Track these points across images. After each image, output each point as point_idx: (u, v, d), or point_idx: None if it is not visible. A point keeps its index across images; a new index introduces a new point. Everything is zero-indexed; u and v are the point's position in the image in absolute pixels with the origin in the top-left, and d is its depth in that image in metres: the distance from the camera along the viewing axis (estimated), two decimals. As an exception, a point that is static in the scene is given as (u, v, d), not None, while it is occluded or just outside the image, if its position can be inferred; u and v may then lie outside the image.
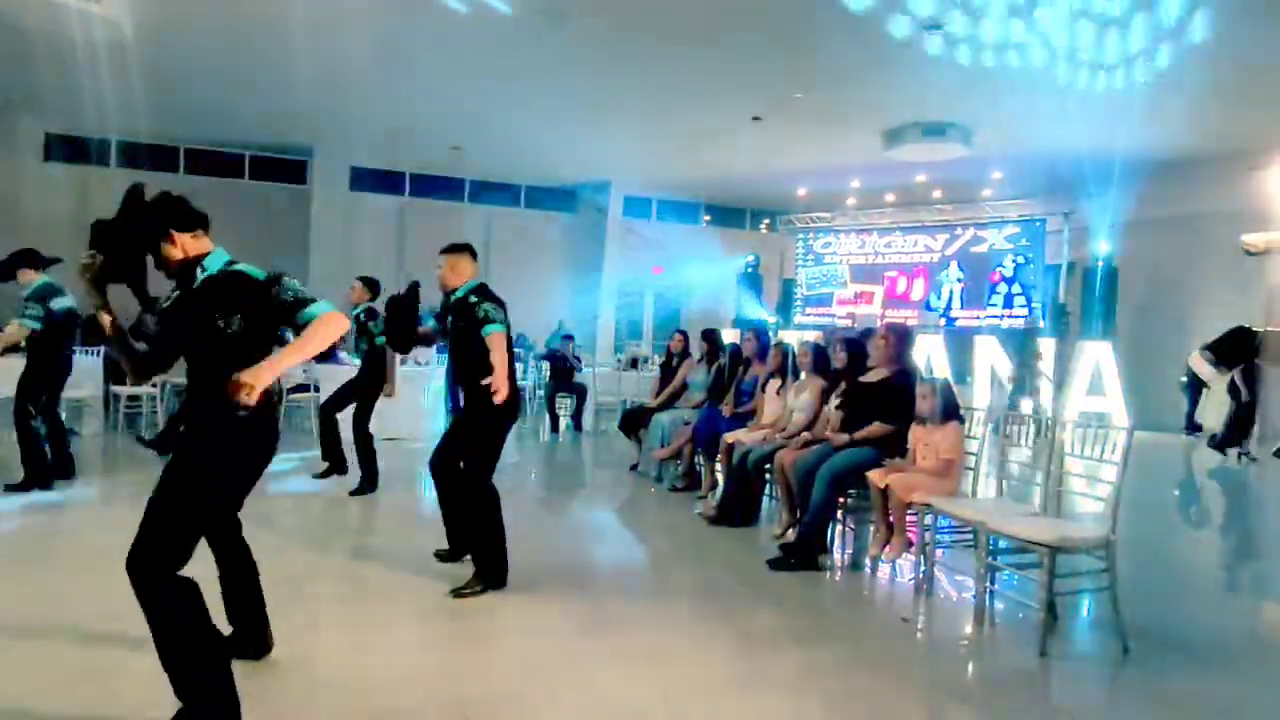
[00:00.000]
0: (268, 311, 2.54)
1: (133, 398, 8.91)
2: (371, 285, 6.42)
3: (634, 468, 7.40)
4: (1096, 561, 3.69)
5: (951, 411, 4.48)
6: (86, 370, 8.37)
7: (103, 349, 8.93)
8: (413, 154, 14.93)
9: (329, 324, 2.49)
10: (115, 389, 8.83)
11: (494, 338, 3.87)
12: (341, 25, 8.20)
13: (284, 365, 2.46)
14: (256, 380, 2.34)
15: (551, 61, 9.27)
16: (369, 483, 6.09)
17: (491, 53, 9.04)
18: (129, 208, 2.60)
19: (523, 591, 3.99)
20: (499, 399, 3.78)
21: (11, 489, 5.57)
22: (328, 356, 9.38)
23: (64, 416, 7.92)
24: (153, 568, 2.32)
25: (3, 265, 5.75)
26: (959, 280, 12.75)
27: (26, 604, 3.62)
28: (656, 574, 4.68)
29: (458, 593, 3.86)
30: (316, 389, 8.84)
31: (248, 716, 2.41)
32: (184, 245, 2.60)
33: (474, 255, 4.23)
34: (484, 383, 3.78)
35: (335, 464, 6.42)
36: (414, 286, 4.23)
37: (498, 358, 3.83)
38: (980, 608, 3.90)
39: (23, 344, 5.79)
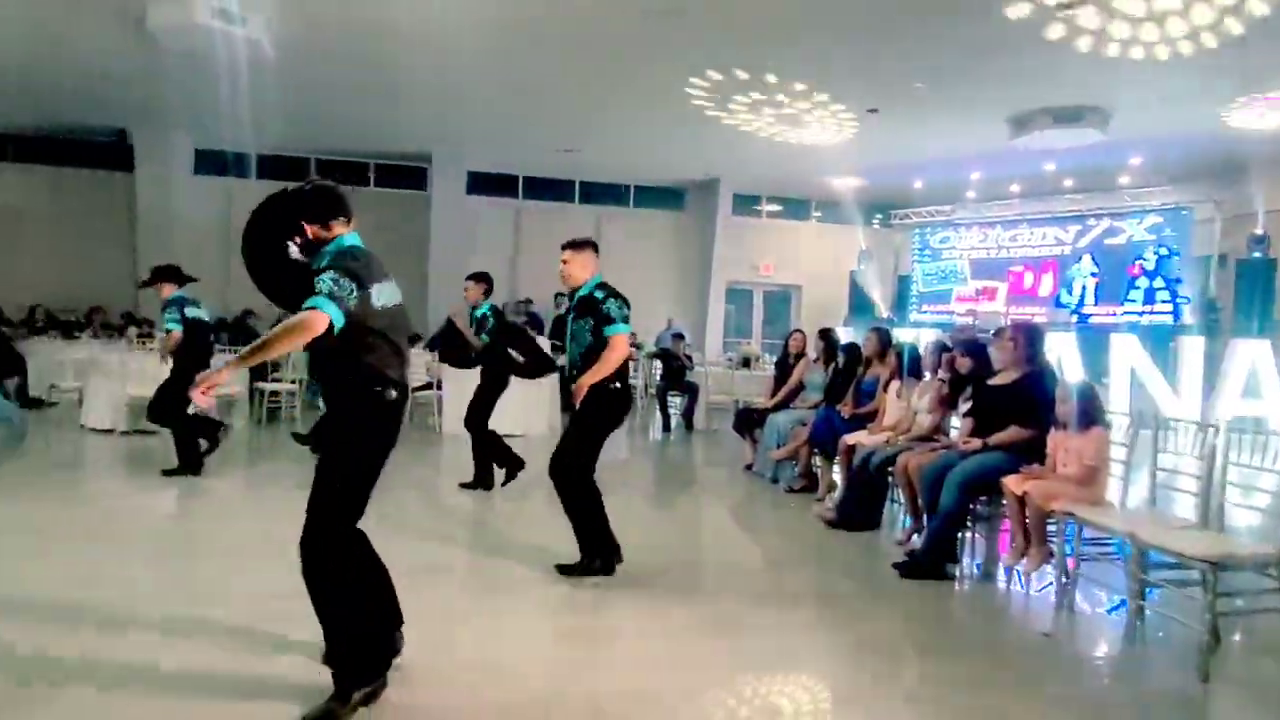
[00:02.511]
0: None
1: (274, 393, 9.50)
2: (487, 280, 6.26)
3: (749, 467, 7.33)
4: (1266, 580, 3.38)
5: (1094, 416, 4.21)
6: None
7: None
8: (526, 157, 15.30)
9: (288, 326, 2.46)
10: (259, 385, 9.46)
11: (616, 339, 3.95)
12: (459, 39, 8.49)
13: (232, 369, 2.61)
14: (207, 381, 2.51)
15: (663, 60, 9.29)
16: (483, 481, 6.10)
17: (603, 55, 9.15)
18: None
19: (642, 588, 4.00)
20: (578, 393, 3.95)
21: (167, 474, 6.10)
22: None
23: (214, 411, 8.62)
24: (319, 545, 2.55)
25: (153, 276, 6.42)
26: (1093, 274, 11.99)
27: (177, 588, 3.92)
28: (774, 576, 4.61)
29: (564, 569, 3.99)
30: (439, 386, 9.18)
31: (397, 686, 2.51)
32: (315, 234, 2.68)
33: (596, 250, 4.25)
34: (611, 385, 3.98)
35: (481, 477, 6.17)
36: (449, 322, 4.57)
37: (614, 357, 3.93)
38: (1131, 626, 3.65)
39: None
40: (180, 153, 13.95)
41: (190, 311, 6.30)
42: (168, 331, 6.22)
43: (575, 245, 4.19)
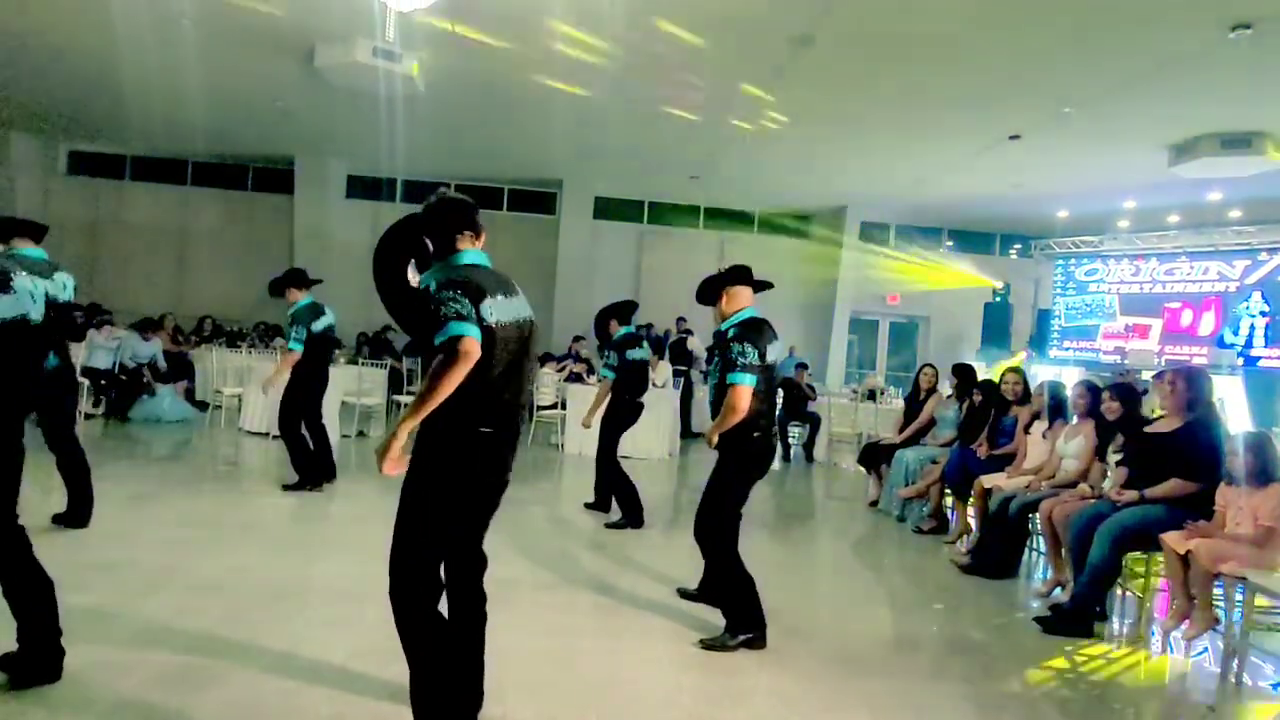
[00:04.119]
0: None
1: (409, 406, 10.00)
2: (621, 314, 6.19)
3: (873, 504, 7.10)
4: None
5: (1271, 470, 3.84)
6: (374, 380, 9.57)
7: (389, 361, 10.15)
8: (652, 183, 15.55)
9: (444, 365, 2.27)
10: (395, 398, 9.98)
11: (735, 391, 3.51)
12: (593, 75, 8.77)
13: (406, 430, 2.32)
14: (392, 456, 2.31)
15: (794, 89, 9.25)
16: (632, 520, 5.81)
17: (733, 83, 9.20)
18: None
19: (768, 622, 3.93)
20: (708, 442, 3.71)
21: (288, 489, 6.17)
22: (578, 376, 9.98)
23: (355, 420, 9.15)
24: (403, 597, 2.36)
25: (277, 283, 6.40)
26: (1263, 314, 10.96)
27: (322, 583, 4.16)
28: (903, 620, 4.43)
29: (706, 644, 3.61)
30: (564, 406, 9.40)
31: (515, 701, 2.54)
32: (437, 249, 2.55)
33: (750, 283, 3.82)
34: (752, 433, 3.66)
35: (630, 515, 5.87)
36: None
37: (733, 411, 3.52)
38: (1313, 708, 3.29)
39: None
40: (334, 178, 15.02)
41: (316, 325, 6.17)
42: (289, 351, 6.08)
43: (730, 279, 3.82)
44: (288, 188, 14.96)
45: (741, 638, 3.61)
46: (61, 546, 4.17)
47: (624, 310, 6.20)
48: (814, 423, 10.22)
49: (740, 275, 3.81)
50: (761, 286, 3.90)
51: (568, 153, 13.31)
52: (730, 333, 3.66)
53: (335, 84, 9.03)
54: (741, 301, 3.77)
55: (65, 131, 13.97)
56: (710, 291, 3.84)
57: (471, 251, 2.52)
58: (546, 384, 10.03)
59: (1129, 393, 4.88)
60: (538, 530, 5.67)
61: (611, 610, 4.10)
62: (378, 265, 2.70)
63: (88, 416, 8.92)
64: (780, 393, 10.63)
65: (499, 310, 2.39)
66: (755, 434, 3.65)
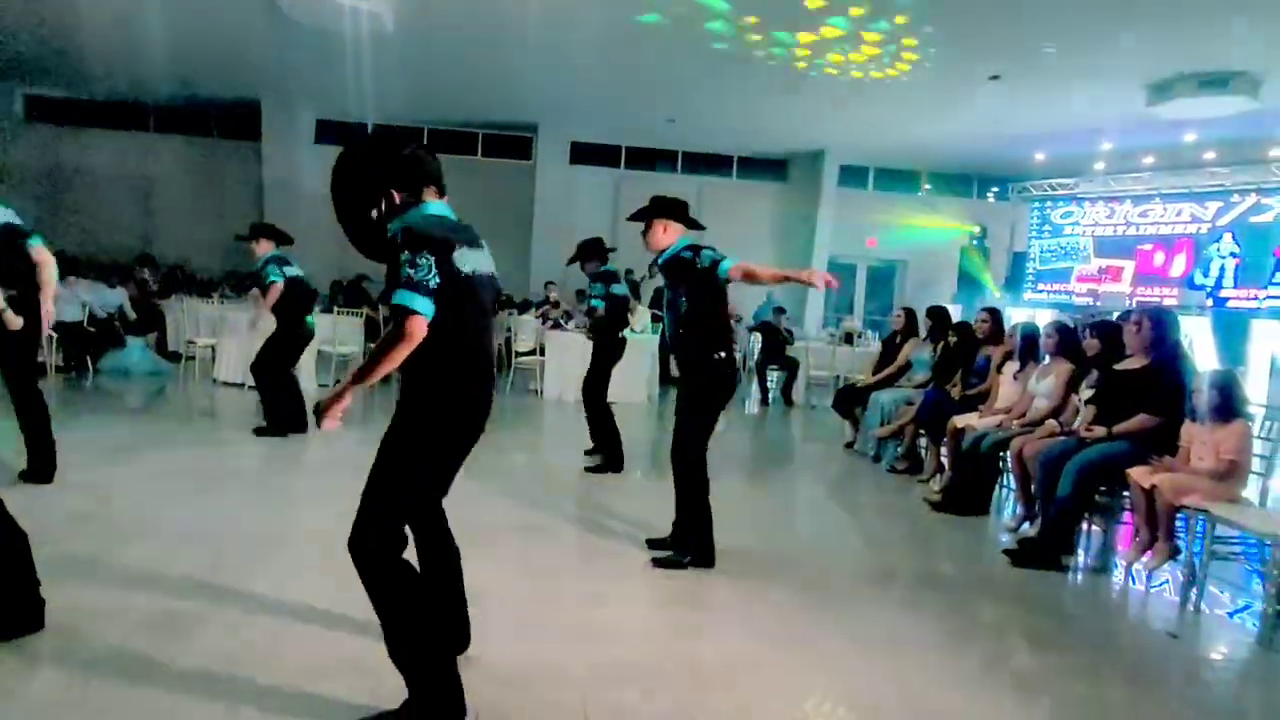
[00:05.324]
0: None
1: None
2: (598, 251, 6.17)
3: (849, 445, 7.22)
4: None
5: (1235, 407, 3.94)
6: (350, 329, 9.48)
7: (365, 311, 10.05)
8: (629, 127, 15.31)
9: (391, 341, 2.22)
10: (372, 346, 9.89)
11: (734, 269, 3.63)
12: (568, 12, 8.55)
13: (351, 392, 2.32)
14: (332, 409, 2.33)
15: (772, 27, 9.08)
16: (612, 463, 5.81)
17: (706, 21, 9.02)
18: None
19: (741, 563, 4.00)
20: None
21: (259, 433, 6.24)
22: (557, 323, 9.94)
23: (331, 370, 9.10)
24: (368, 548, 2.28)
25: (251, 232, 6.44)
26: (1233, 254, 11.12)
27: (302, 530, 4.19)
28: (877, 557, 4.54)
29: (658, 562, 3.84)
30: (543, 353, 9.39)
31: (499, 641, 2.58)
32: (403, 200, 2.45)
33: (684, 218, 3.94)
34: (715, 354, 3.79)
35: (610, 458, 5.85)
36: None
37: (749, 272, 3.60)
38: (1268, 633, 3.43)
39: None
40: (302, 123, 14.64)
41: (288, 270, 6.28)
42: (270, 284, 6.16)
43: (658, 210, 3.92)
44: (254, 134, 14.57)
45: (690, 559, 3.84)
46: (34, 499, 4.15)
47: (604, 251, 6.16)
48: (792, 367, 10.29)
49: (670, 208, 3.93)
50: (694, 225, 4.00)
51: (543, 96, 13.05)
52: (684, 254, 3.83)
53: (301, 23, 8.73)
54: (673, 236, 3.92)
55: (21, 75, 13.44)
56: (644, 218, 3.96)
57: (436, 203, 2.47)
58: (526, 330, 9.99)
59: (1110, 329, 4.88)
60: (518, 474, 5.72)
61: (591, 551, 4.16)
62: (342, 203, 2.52)
63: (58, 370, 8.78)
64: (758, 337, 10.69)
65: (469, 260, 2.35)
66: (721, 353, 3.80)
